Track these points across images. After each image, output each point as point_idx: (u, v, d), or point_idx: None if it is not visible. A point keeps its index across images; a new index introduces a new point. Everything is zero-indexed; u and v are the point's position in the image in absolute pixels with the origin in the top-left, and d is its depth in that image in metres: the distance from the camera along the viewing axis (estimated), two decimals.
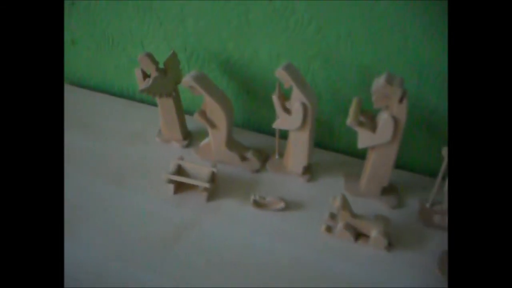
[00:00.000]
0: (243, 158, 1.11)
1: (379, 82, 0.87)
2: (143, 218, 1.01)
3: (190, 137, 1.18)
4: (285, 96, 0.99)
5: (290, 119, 0.98)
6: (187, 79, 0.99)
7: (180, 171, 1.05)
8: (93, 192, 1.06)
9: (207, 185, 1.01)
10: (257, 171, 1.10)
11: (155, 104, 1.25)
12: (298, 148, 1.03)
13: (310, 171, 1.09)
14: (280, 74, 0.93)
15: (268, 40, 1.04)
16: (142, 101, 1.31)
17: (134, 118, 1.25)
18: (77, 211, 1.02)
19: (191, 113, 1.10)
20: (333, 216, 0.99)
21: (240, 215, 1.01)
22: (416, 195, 1.05)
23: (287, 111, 0.98)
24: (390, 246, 0.95)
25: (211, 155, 1.12)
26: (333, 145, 1.17)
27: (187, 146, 1.17)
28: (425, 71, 0.96)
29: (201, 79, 1.01)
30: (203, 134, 1.16)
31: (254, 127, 1.22)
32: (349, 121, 0.91)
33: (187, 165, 1.05)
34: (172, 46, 1.16)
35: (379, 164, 0.98)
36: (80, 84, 1.38)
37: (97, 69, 1.32)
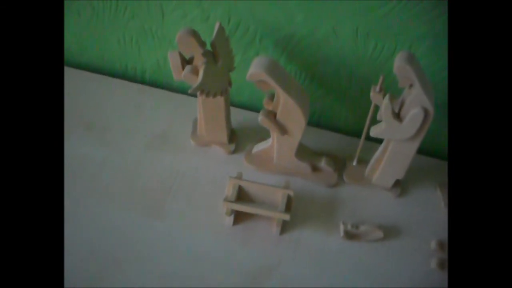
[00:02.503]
0: (315, 168, 0.85)
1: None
2: (195, 263, 0.74)
3: (236, 139, 0.89)
4: (391, 94, 0.73)
5: (401, 127, 0.73)
6: (257, 71, 0.70)
7: (240, 193, 0.78)
8: (113, 226, 0.77)
9: (286, 217, 0.75)
10: (334, 185, 0.85)
11: (180, 91, 0.94)
12: (397, 160, 0.79)
13: (400, 183, 0.85)
14: (403, 69, 0.67)
15: (356, 14, 0.76)
16: (158, 85, 0.99)
17: (152, 112, 0.93)
18: (96, 257, 0.73)
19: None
20: (441, 245, 0.78)
21: (328, 251, 0.77)
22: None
23: (396, 116, 0.73)
24: None
25: (270, 165, 0.85)
26: None
27: (234, 151, 0.88)
28: None
29: (275, 70, 0.72)
30: (249, 133, 0.88)
31: (313, 121, 0.95)
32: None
33: (249, 186, 0.78)
34: (208, 14, 0.84)
35: None
36: (66, 61, 1.02)
37: (92, 42, 0.96)
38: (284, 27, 0.82)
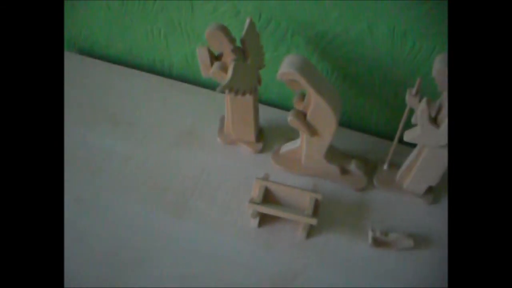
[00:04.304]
0: (344, 171, 0.82)
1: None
2: (217, 264, 0.73)
3: (263, 138, 0.87)
4: (429, 98, 0.70)
5: (437, 133, 0.69)
6: (289, 71, 0.68)
7: (266, 195, 0.76)
8: (135, 222, 0.76)
9: (313, 221, 0.73)
10: (364, 189, 0.82)
11: (208, 87, 0.92)
12: (431, 166, 0.76)
13: (433, 189, 0.82)
14: (442, 73, 0.64)
15: (393, 13, 0.73)
16: (185, 80, 0.97)
17: (180, 107, 0.92)
18: (117, 252, 0.72)
19: None
20: None
21: (355, 258, 0.75)
22: None
23: (432, 121, 0.69)
24: None
25: (298, 166, 0.83)
26: None
27: (261, 151, 0.86)
28: None
29: (307, 69, 0.69)
30: (277, 132, 0.86)
31: (343, 121, 0.92)
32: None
33: (276, 187, 0.76)
34: (239, 9, 0.81)
35: None
36: (94, 53, 1.01)
37: (120, 34, 0.95)
38: (317, 24, 0.79)
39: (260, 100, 0.88)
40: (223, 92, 0.71)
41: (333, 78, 0.86)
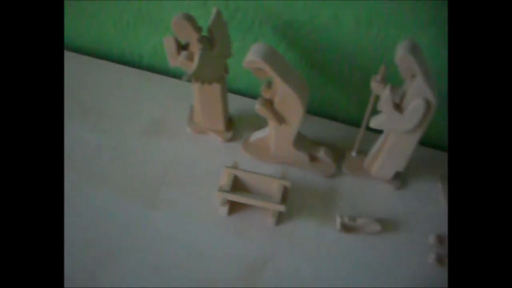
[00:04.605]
0: (313, 158, 0.83)
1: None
2: (188, 253, 0.73)
3: (233, 126, 0.87)
4: (392, 85, 0.71)
5: (402, 119, 0.70)
6: (254, 59, 0.68)
7: (235, 183, 0.76)
8: (107, 213, 0.76)
9: (282, 208, 0.74)
10: (333, 175, 0.83)
11: (178, 77, 0.92)
12: (397, 152, 0.77)
13: (400, 175, 0.83)
14: (405, 59, 0.65)
15: (358, 1, 0.74)
16: (156, 70, 0.97)
17: (150, 97, 0.92)
18: (89, 243, 0.72)
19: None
20: (440, 240, 0.76)
21: (324, 243, 0.76)
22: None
23: (397, 107, 0.71)
24: None
25: (267, 154, 0.83)
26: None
27: (231, 139, 0.86)
28: None
29: (273, 57, 0.70)
30: (247, 120, 0.87)
31: (313, 110, 0.93)
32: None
33: (245, 175, 0.76)
34: None
35: None
36: (65, 45, 1.00)
37: (88, 25, 0.94)
38: (284, 13, 0.79)
39: (230, 90, 0.89)
40: (189, 81, 0.71)
41: (301, 66, 0.86)
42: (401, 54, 0.65)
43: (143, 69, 0.96)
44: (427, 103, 0.68)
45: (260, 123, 0.84)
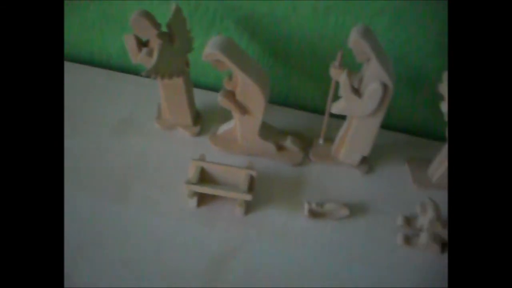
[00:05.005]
0: (280, 148, 0.84)
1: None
2: (159, 246, 0.73)
3: (201, 121, 0.88)
4: (349, 69, 0.72)
5: (361, 103, 0.72)
6: (211, 51, 0.69)
7: (202, 175, 0.77)
8: (77, 210, 0.77)
9: (248, 197, 0.74)
10: (300, 163, 0.84)
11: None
12: (361, 136, 0.78)
13: (367, 160, 0.84)
14: (358, 44, 0.66)
15: None
16: (124, 70, 0.98)
17: (118, 96, 0.93)
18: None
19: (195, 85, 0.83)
20: (408, 221, 0.77)
21: (292, 230, 0.77)
22: None
23: (355, 92, 0.72)
24: None
25: (235, 146, 0.84)
26: (386, 121, 0.92)
27: (199, 133, 0.87)
28: None
29: (231, 49, 0.71)
30: (215, 114, 0.88)
31: (281, 100, 0.94)
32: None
33: (212, 167, 0.77)
34: None
35: None
36: None
37: None
38: (244, 6, 0.81)
39: (197, 85, 0.90)
40: (148, 76, 0.72)
41: (265, 58, 0.88)
42: (353, 38, 0.66)
43: (112, 70, 0.97)
44: (384, 86, 0.69)
45: (228, 116, 0.85)
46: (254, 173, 0.76)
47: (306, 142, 0.86)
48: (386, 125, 0.90)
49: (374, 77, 0.69)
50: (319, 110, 0.91)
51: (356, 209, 0.79)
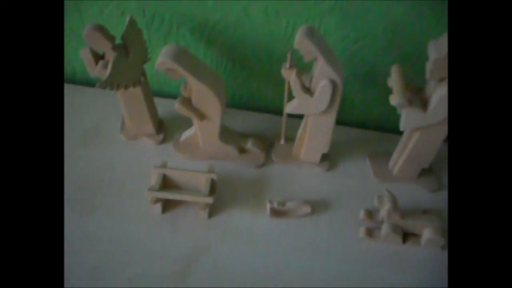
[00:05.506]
0: (242, 151, 0.86)
1: (441, 47, 0.64)
2: (127, 253, 0.75)
3: (164, 129, 0.90)
4: (299, 69, 0.74)
5: (312, 101, 0.73)
6: (163, 60, 0.71)
7: (165, 182, 0.79)
8: None
9: (209, 200, 0.76)
10: (262, 165, 0.86)
11: None
12: (318, 134, 0.80)
13: (328, 157, 0.86)
14: (302, 43, 0.68)
15: None
16: (87, 83, 0.99)
17: (85, 110, 0.94)
18: None
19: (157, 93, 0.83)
20: (369, 214, 0.79)
21: (256, 230, 0.78)
22: None
23: (307, 90, 0.74)
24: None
25: (198, 151, 0.86)
26: (344, 117, 0.94)
27: (163, 141, 0.89)
28: None
29: (182, 57, 0.73)
30: (179, 122, 0.89)
31: (243, 104, 0.96)
32: (397, 99, 0.69)
33: (174, 173, 0.79)
34: (123, 7, 0.84)
35: (423, 145, 0.77)
36: None
37: None
38: (198, 14, 0.82)
39: (162, 94, 0.91)
40: (103, 87, 0.74)
41: (223, 63, 0.89)
42: (298, 39, 0.68)
43: (77, 84, 0.98)
44: (333, 83, 0.71)
45: (191, 123, 0.87)
46: (214, 177, 0.78)
47: (267, 143, 0.88)
48: (345, 122, 0.93)
49: (323, 75, 0.71)
50: (280, 112, 0.92)
51: (318, 206, 0.81)
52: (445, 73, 0.66)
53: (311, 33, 0.68)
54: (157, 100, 0.89)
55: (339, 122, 0.92)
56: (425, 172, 0.85)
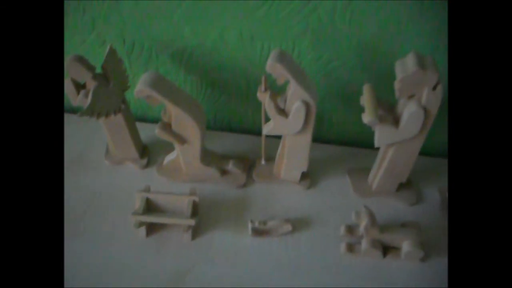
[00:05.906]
0: (223, 172, 0.88)
1: (407, 67, 0.66)
2: (114, 277, 0.76)
3: (147, 153, 0.92)
4: (274, 92, 0.76)
5: (288, 122, 0.76)
6: (141, 88, 0.73)
7: (149, 205, 0.81)
8: None
9: (191, 222, 0.78)
10: (244, 185, 0.88)
11: None
12: (296, 153, 0.82)
13: (308, 175, 0.88)
14: (274, 67, 0.70)
15: (238, 18, 0.80)
16: (74, 111, 1.01)
17: (70, 137, 0.97)
18: None
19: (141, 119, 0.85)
20: (350, 230, 0.81)
21: (239, 250, 0.80)
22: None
23: (281, 112, 0.76)
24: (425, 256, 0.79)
25: (180, 174, 0.88)
26: (323, 136, 0.97)
27: (147, 165, 0.91)
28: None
29: (160, 84, 0.75)
30: (163, 146, 0.91)
31: (224, 126, 0.98)
32: (368, 118, 0.71)
33: (157, 197, 0.81)
34: (104, 38, 0.87)
35: (398, 160, 0.79)
36: None
37: None
38: (176, 41, 0.85)
39: (145, 119, 0.94)
40: (84, 116, 0.76)
41: (203, 87, 0.92)
42: (269, 63, 0.70)
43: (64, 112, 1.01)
44: (306, 104, 0.73)
45: (173, 147, 0.89)
46: (196, 199, 0.80)
47: (248, 164, 0.90)
48: (325, 139, 0.95)
49: (296, 97, 0.73)
50: (260, 132, 0.94)
51: (299, 224, 0.83)
52: (413, 90, 0.69)
53: (282, 57, 0.70)
54: (140, 125, 0.92)
55: (319, 140, 0.95)
56: (404, 186, 0.87)
